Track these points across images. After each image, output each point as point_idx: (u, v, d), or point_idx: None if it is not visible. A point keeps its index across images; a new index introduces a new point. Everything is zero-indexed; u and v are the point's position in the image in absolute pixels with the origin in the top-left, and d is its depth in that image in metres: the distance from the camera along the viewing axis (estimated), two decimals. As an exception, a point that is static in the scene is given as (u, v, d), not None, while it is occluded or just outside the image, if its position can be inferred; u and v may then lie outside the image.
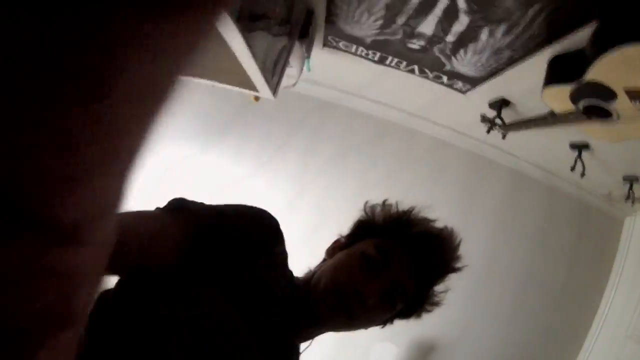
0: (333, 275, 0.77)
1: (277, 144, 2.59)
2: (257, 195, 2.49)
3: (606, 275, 2.55)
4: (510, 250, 2.61)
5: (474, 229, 2.51)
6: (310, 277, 0.81)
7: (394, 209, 0.85)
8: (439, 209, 0.88)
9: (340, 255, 0.81)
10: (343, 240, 0.87)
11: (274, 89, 1.50)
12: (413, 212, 0.84)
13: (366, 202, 0.88)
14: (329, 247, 0.88)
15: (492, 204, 2.62)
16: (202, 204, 0.69)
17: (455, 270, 0.82)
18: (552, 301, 2.57)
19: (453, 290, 0.84)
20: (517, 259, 2.60)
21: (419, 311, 0.84)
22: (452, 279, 0.84)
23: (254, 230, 0.71)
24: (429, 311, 0.84)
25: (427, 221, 0.83)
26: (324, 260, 0.86)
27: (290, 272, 0.81)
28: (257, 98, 1.51)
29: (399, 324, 0.87)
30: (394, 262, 0.76)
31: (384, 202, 0.87)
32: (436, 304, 0.84)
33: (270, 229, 0.74)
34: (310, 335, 0.80)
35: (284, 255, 0.78)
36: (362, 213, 0.88)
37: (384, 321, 0.83)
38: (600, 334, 2.50)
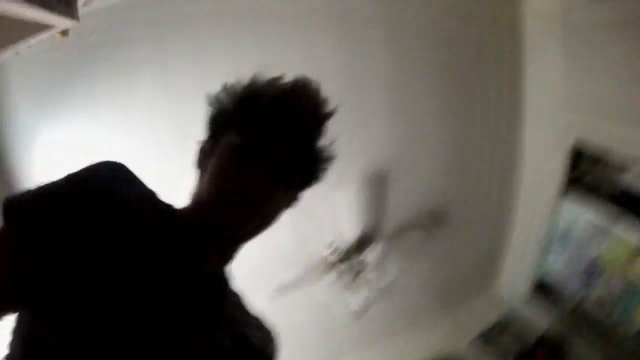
0: (212, 186, 0.71)
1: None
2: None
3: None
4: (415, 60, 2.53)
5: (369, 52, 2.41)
6: (193, 200, 0.75)
7: (237, 87, 0.77)
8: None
9: (211, 162, 0.74)
10: (205, 145, 0.79)
11: (72, 14, 1.31)
12: (256, 81, 0.76)
13: (207, 95, 0.79)
14: (196, 160, 0.79)
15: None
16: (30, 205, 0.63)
17: (326, 117, 0.76)
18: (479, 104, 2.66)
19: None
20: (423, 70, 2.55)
21: (315, 174, 0.79)
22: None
23: (91, 208, 0.62)
24: (325, 168, 0.79)
25: (274, 82, 0.75)
26: (198, 176, 0.78)
27: (166, 207, 0.74)
28: (63, 33, 1.34)
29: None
30: (263, 142, 0.71)
31: (223, 86, 0.78)
32: (328, 158, 0.79)
33: (100, 195, 0.65)
34: (225, 257, 0.76)
35: (141, 201, 0.70)
36: (209, 107, 0.79)
37: (288, 202, 0.78)
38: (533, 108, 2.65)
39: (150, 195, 0.73)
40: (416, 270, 3.02)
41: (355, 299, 2.78)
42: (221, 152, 0.72)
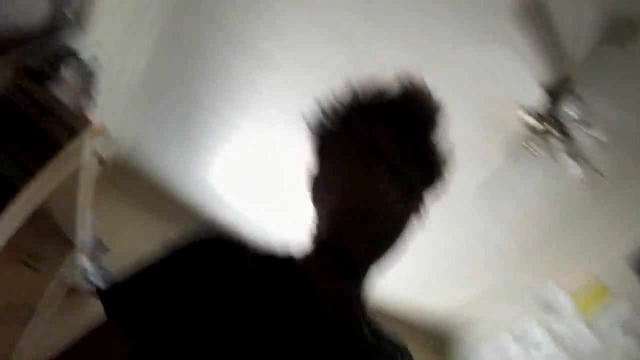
0: (337, 206, 0.64)
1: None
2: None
3: None
4: None
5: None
6: (318, 232, 0.68)
7: (337, 102, 0.71)
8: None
9: (327, 189, 0.68)
10: (316, 172, 0.73)
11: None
12: (359, 89, 0.70)
13: (304, 114, 0.73)
14: (310, 193, 0.73)
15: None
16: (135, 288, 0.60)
17: (440, 118, 0.71)
18: None
19: None
20: None
21: (436, 176, 0.72)
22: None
23: (201, 280, 0.58)
24: (445, 170, 0.73)
25: (384, 88, 0.69)
26: (316, 208, 0.72)
27: (283, 260, 0.68)
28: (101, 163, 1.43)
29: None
30: (386, 149, 0.66)
31: (319, 103, 0.72)
32: (445, 159, 0.72)
33: (208, 263, 0.61)
34: (355, 285, 0.68)
35: (251, 260, 0.65)
36: (311, 128, 0.73)
37: (417, 209, 0.71)
38: None
39: (260, 253, 0.67)
40: (631, 101, 2.26)
41: (575, 163, 2.13)
42: (343, 167, 0.66)
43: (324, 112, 0.71)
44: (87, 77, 1.39)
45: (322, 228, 0.66)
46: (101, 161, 1.64)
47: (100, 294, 0.58)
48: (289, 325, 0.57)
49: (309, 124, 0.72)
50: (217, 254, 0.62)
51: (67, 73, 1.29)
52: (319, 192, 0.70)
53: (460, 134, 2.20)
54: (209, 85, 2.39)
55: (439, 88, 0.69)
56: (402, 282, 3.32)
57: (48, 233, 1.59)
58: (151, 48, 2.23)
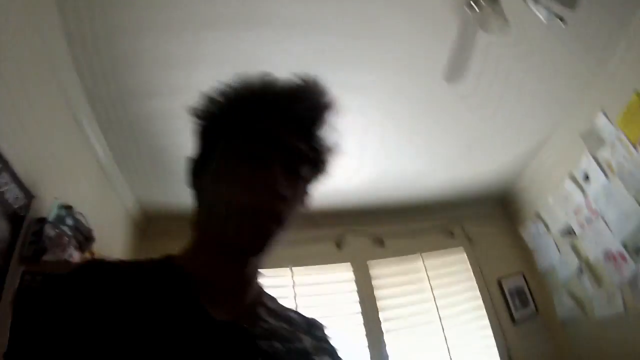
0: (241, 204, 0.63)
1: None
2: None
3: None
4: None
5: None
6: (201, 226, 0.70)
7: (226, 94, 0.70)
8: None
9: (218, 174, 0.68)
10: (200, 158, 0.72)
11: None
12: (254, 81, 0.70)
13: (191, 107, 0.72)
14: (191, 177, 0.72)
15: None
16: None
17: (332, 107, 0.72)
18: None
19: None
20: None
21: (320, 167, 0.74)
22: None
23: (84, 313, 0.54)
24: (328, 159, 0.75)
25: (281, 83, 0.70)
26: (203, 197, 0.71)
27: (157, 261, 0.67)
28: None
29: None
30: (281, 136, 0.67)
31: (208, 97, 0.71)
32: (332, 150, 0.74)
33: (85, 282, 0.58)
34: (248, 281, 0.70)
35: (128, 268, 0.63)
36: (196, 118, 0.72)
37: (302, 198, 0.73)
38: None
39: (138, 268, 0.64)
40: None
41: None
42: (244, 165, 0.66)
43: (215, 98, 0.70)
44: (63, 226, 1.74)
45: (216, 222, 0.66)
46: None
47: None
48: (171, 326, 0.55)
49: (193, 109, 0.71)
50: (93, 272, 0.60)
51: (50, 236, 1.65)
52: (210, 183, 0.68)
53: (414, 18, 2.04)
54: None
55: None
56: (450, 161, 3.43)
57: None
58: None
